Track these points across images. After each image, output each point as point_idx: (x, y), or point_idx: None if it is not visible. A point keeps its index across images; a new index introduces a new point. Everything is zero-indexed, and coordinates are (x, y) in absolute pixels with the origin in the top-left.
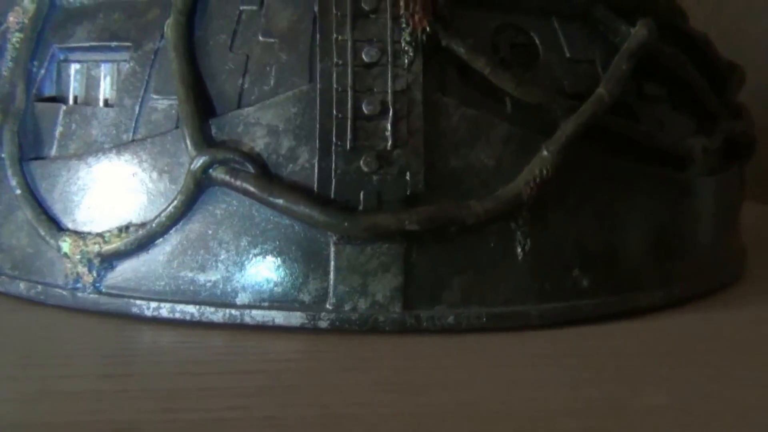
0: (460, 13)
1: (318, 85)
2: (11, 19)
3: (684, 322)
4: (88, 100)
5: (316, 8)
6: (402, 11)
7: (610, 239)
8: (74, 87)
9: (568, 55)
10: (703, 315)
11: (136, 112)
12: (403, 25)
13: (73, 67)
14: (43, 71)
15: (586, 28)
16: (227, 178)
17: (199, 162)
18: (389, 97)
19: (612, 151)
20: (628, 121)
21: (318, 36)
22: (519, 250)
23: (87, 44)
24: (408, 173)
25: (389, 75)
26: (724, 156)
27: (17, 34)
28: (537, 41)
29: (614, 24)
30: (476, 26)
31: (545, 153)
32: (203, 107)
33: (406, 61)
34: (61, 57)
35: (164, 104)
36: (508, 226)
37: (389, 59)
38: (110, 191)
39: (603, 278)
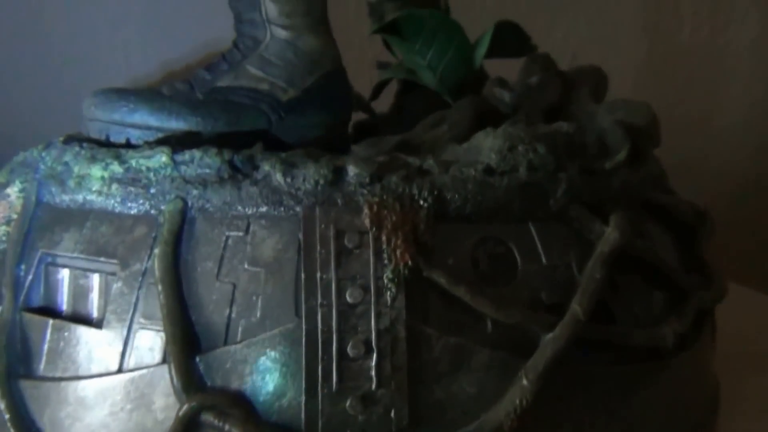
0: (440, 232)
1: (304, 325)
2: None
3: None
4: (77, 314)
5: (300, 236)
6: (384, 246)
7: None
8: (62, 296)
9: (545, 261)
10: None
11: (124, 337)
12: (386, 261)
13: (61, 273)
14: (30, 277)
15: (563, 228)
16: (216, 422)
17: (188, 408)
18: (373, 336)
19: (589, 355)
20: (603, 327)
21: (303, 274)
22: None
23: (74, 255)
24: (392, 411)
25: (372, 314)
26: (694, 325)
27: (3, 227)
28: (515, 251)
29: (589, 223)
30: (455, 243)
31: (524, 382)
32: (191, 341)
33: (389, 298)
34: (49, 260)
35: (152, 332)
36: None
37: (372, 298)
38: (99, 423)
39: None
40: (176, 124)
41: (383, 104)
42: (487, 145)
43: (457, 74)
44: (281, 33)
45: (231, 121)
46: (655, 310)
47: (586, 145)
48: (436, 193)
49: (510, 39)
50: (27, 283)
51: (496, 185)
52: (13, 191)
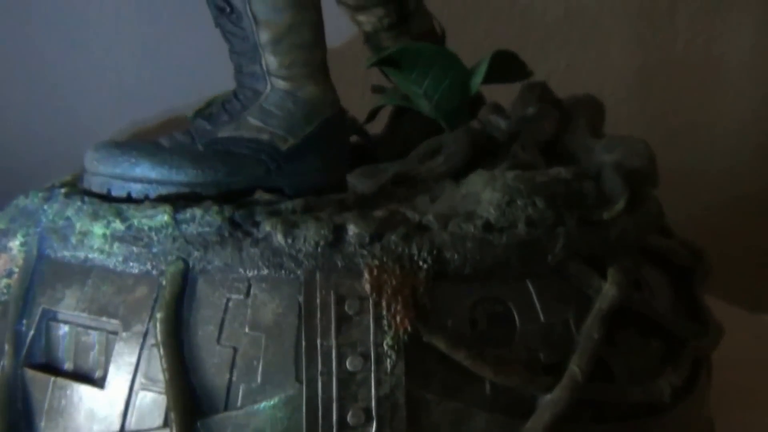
0: (439, 293)
1: (304, 393)
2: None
3: None
4: (78, 371)
5: (301, 299)
6: (384, 312)
7: None
8: (64, 353)
9: (543, 319)
10: None
11: (126, 397)
12: (386, 328)
13: (63, 330)
14: (32, 333)
15: (560, 284)
16: None
17: None
18: (373, 404)
19: (587, 412)
20: (601, 386)
21: (304, 341)
22: None
23: (76, 313)
24: None
25: (372, 382)
26: (690, 374)
27: (5, 280)
28: (513, 310)
29: (587, 278)
30: (454, 304)
31: None
32: (192, 404)
33: (389, 365)
34: (51, 316)
35: (153, 393)
36: None
37: (372, 365)
38: None
39: None
40: (177, 177)
41: (377, 124)
42: (486, 197)
43: (453, 102)
44: (281, 84)
45: (231, 172)
46: (652, 362)
47: (585, 193)
48: (435, 252)
49: (506, 66)
50: (28, 339)
51: (494, 243)
52: (14, 244)
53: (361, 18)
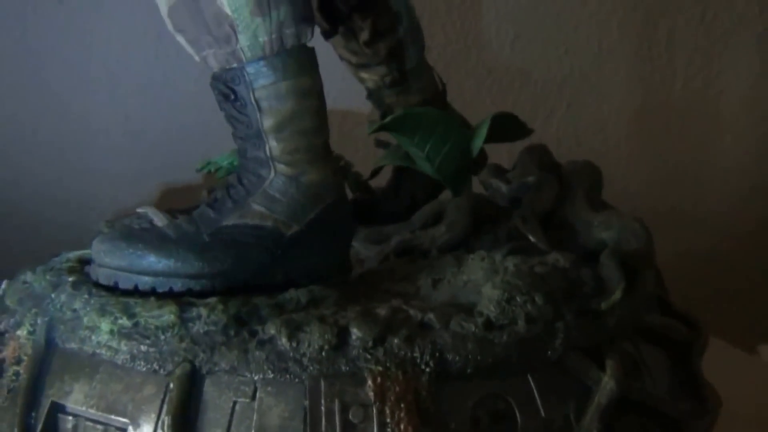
0: (441, 395)
1: None
2: (8, 352)
3: None
4: None
5: (306, 404)
6: (388, 419)
7: None
8: None
9: (543, 415)
10: None
11: None
12: None
13: (71, 423)
14: (41, 425)
15: (560, 377)
16: None
17: None
18: None
19: None
20: None
21: None
22: None
23: (84, 408)
24: None
25: None
26: None
27: (14, 367)
28: (514, 407)
29: (586, 370)
30: (456, 405)
31: None
32: None
33: None
34: (59, 409)
35: None
36: None
37: None
38: None
39: None
40: (183, 270)
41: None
42: (487, 293)
43: (455, 163)
44: (284, 169)
45: (236, 262)
46: None
47: (583, 282)
48: (437, 355)
49: (506, 127)
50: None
51: (495, 342)
52: (22, 333)
53: (364, 75)
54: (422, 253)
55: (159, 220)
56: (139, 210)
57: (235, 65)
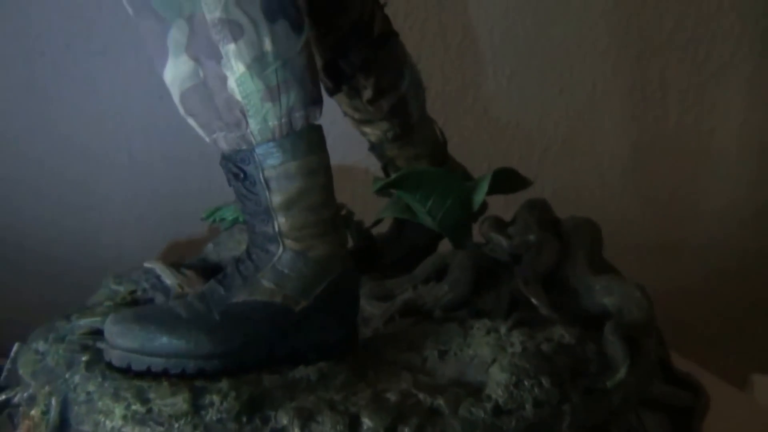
0: None
1: None
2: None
3: None
4: None
5: None
6: None
7: None
8: None
9: None
10: None
11: None
12: None
13: None
14: None
15: None
16: None
17: None
18: None
19: None
20: None
21: None
22: None
23: None
24: None
25: None
26: None
27: None
28: None
29: None
30: None
31: None
32: None
33: None
34: None
35: None
36: None
37: None
38: None
39: None
40: (195, 351)
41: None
42: (494, 376)
43: (456, 217)
44: (293, 245)
45: (247, 341)
46: None
47: (588, 360)
48: None
49: (506, 180)
50: None
51: (504, 428)
52: (37, 412)
53: (366, 130)
54: (426, 312)
55: (166, 276)
56: (146, 265)
57: (244, 147)
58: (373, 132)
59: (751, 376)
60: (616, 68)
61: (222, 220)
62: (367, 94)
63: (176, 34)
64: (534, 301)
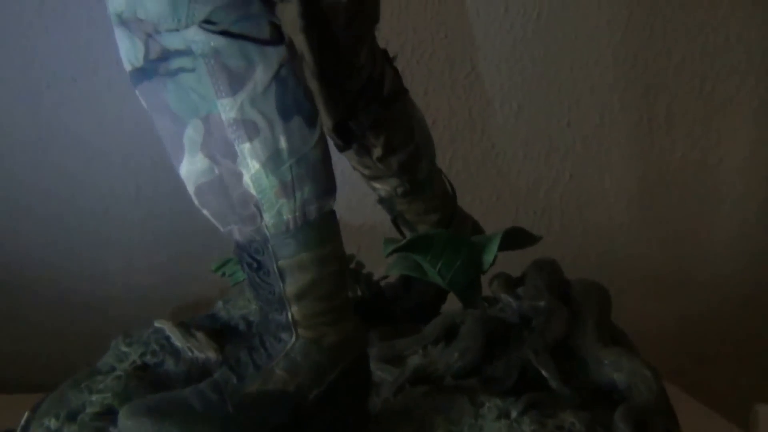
0: None
1: None
2: None
3: None
4: None
5: None
6: None
7: None
8: None
9: None
10: None
11: None
12: None
13: None
14: None
15: None
16: None
17: None
18: None
19: None
20: None
21: None
22: None
23: None
24: None
25: None
26: None
27: None
28: None
29: None
30: None
31: None
32: None
33: None
34: None
35: None
36: None
37: None
38: None
39: None
40: None
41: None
42: None
43: (466, 277)
44: (306, 333)
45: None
46: None
47: None
48: None
49: (515, 238)
50: None
51: None
52: None
53: (376, 185)
54: (437, 379)
55: (176, 338)
56: (156, 324)
57: (258, 238)
58: (383, 187)
59: (756, 406)
60: (623, 101)
61: (232, 274)
62: (377, 152)
63: (192, 133)
64: (544, 372)
